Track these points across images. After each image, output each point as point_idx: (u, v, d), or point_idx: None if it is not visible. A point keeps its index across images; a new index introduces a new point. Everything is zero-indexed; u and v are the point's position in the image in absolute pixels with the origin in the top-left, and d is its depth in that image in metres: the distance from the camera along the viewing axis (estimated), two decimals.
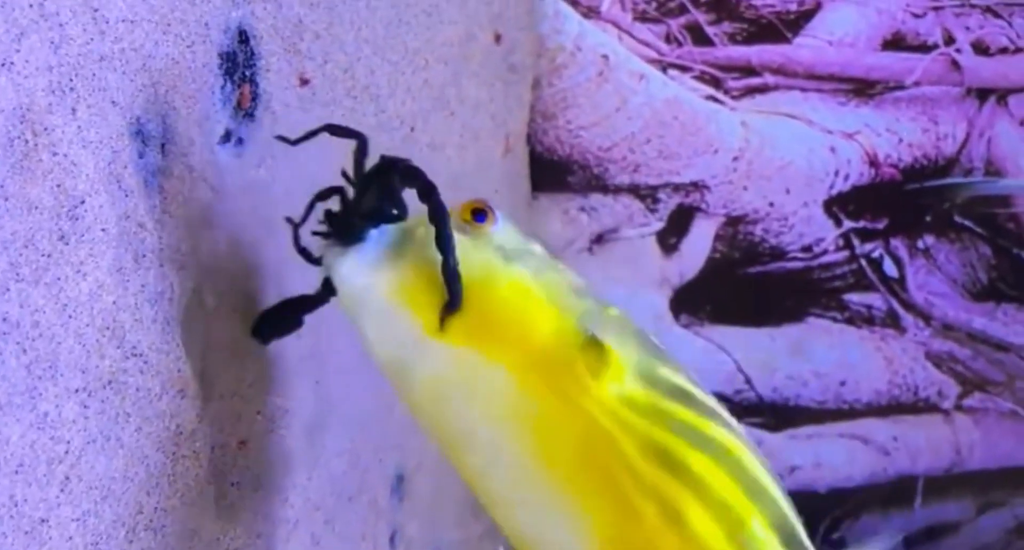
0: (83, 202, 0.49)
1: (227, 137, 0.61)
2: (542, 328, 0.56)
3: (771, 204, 1.14)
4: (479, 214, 0.59)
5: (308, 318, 0.63)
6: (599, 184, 1.14)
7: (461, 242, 0.57)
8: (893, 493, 1.13)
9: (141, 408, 0.53)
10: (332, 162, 0.71)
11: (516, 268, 0.58)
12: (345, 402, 0.76)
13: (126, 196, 0.52)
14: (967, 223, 1.12)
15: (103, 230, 0.50)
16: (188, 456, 0.57)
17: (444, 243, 0.56)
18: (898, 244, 1.13)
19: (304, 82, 0.68)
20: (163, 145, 0.56)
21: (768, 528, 0.55)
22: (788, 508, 0.57)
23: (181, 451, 0.56)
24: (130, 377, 0.53)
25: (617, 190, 1.14)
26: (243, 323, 0.61)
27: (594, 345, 0.55)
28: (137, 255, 0.53)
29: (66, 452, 0.48)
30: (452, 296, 0.56)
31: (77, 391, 0.49)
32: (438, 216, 0.57)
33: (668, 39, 1.12)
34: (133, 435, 0.53)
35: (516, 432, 0.55)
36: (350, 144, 0.68)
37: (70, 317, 0.48)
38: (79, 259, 0.49)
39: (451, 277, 0.56)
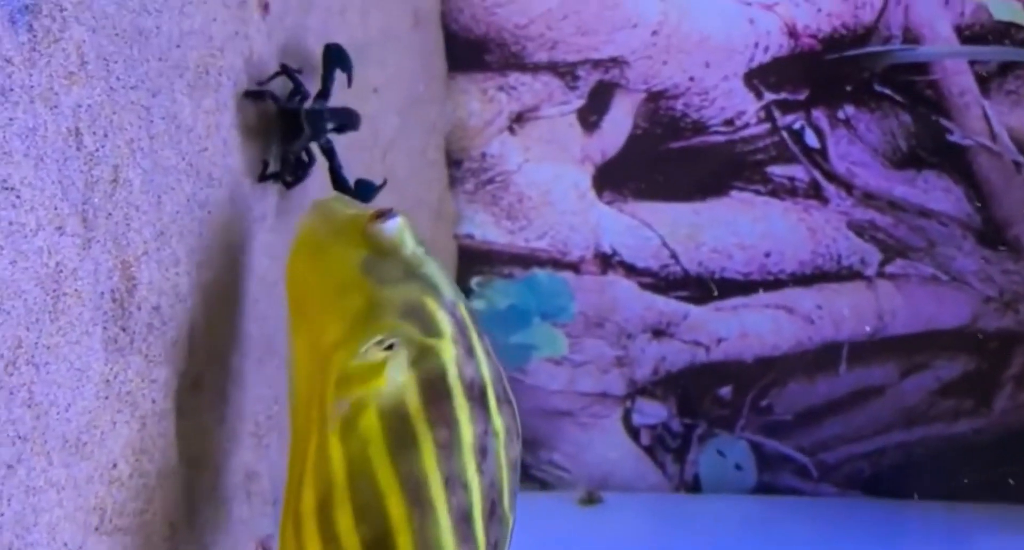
0: None
1: None
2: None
3: (691, 78, 1.14)
4: (382, 214, 0.63)
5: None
6: (517, 62, 1.14)
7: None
8: (818, 360, 1.14)
9: (15, 242, 0.53)
10: (214, 13, 0.70)
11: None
12: (248, 267, 0.76)
13: None
14: (887, 91, 1.12)
15: None
16: (70, 294, 0.57)
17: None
18: (819, 115, 1.13)
19: None
20: None
21: None
22: None
23: (62, 289, 0.56)
24: (1, 210, 0.52)
25: (536, 68, 1.14)
26: (126, 163, 0.61)
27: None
28: (3, 89, 0.53)
29: None
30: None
31: None
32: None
33: None
34: (7, 268, 0.53)
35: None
36: None
37: None
38: None
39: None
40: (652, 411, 1.16)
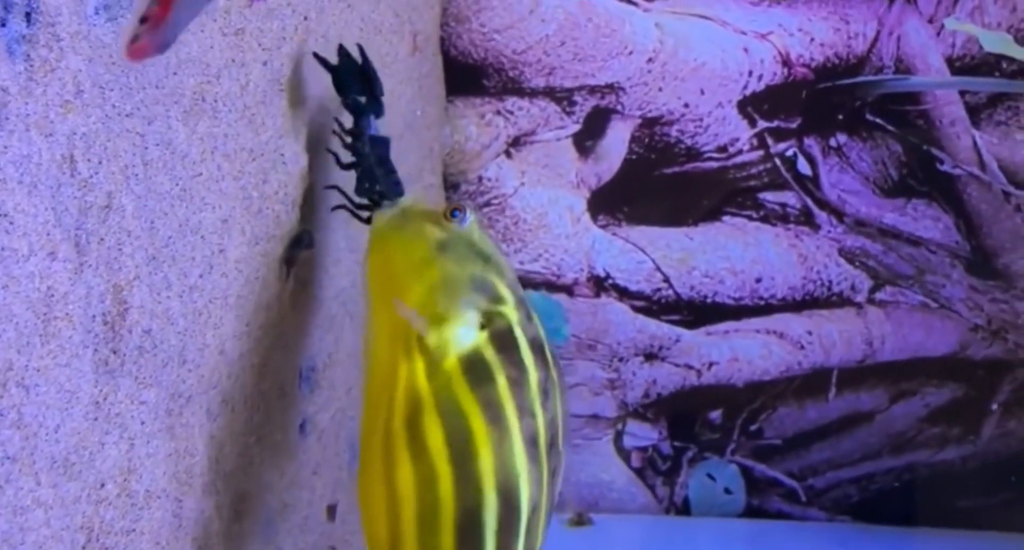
0: None
1: (103, 9, 0.62)
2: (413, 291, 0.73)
3: (686, 105, 1.15)
4: (455, 211, 0.75)
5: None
6: (515, 87, 1.15)
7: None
8: (808, 385, 1.15)
9: (7, 267, 0.54)
10: (211, 41, 0.72)
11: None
12: (239, 289, 0.77)
13: None
14: (878, 121, 1.13)
15: None
16: (61, 318, 0.58)
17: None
18: (811, 143, 1.14)
19: None
20: (28, 14, 0.57)
21: None
22: None
23: (53, 313, 0.57)
24: None
25: (533, 93, 1.15)
26: (120, 189, 0.62)
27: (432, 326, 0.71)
28: None
29: None
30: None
31: None
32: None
33: None
34: None
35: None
36: (224, 19, 0.69)
37: None
38: None
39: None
40: (643, 434, 1.17)
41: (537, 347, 0.72)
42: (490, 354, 0.70)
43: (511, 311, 0.72)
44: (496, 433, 0.69)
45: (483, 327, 0.71)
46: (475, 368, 0.70)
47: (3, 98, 0.54)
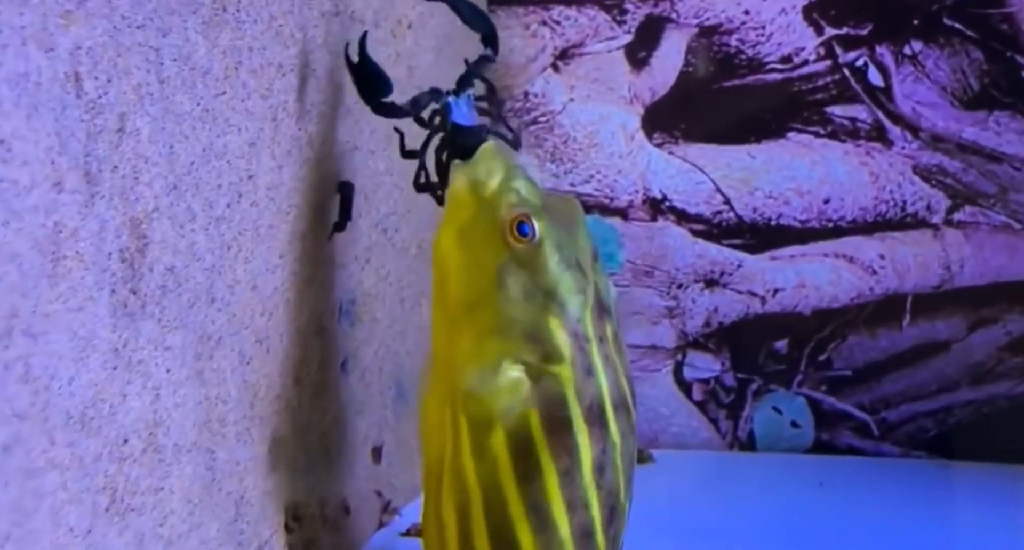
0: None
1: None
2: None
3: (746, 12, 1.07)
4: (522, 226, 0.65)
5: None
6: None
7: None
8: (880, 313, 1.08)
9: (7, 200, 0.48)
10: None
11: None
12: (271, 219, 0.71)
13: None
14: (957, 26, 1.05)
15: None
16: (71, 257, 0.51)
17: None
18: (883, 51, 1.07)
19: None
20: None
21: None
22: None
23: (62, 251, 0.51)
24: None
25: (581, 1, 1.08)
26: (133, 111, 0.55)
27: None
28: None
29: None
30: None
31: None
32: None
33: None
34: None
35: None
36: None
37: None
38: None
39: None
40: (704, 365, 1.11)
41: (595, 411, 0.65)
42: (539, 437, 0.65)
43: (566, 372, 0.65)
44: (544, 541, 0.65)
45: (533, 390, 0.65)
46: (523, 457, 0.65)
47: None
